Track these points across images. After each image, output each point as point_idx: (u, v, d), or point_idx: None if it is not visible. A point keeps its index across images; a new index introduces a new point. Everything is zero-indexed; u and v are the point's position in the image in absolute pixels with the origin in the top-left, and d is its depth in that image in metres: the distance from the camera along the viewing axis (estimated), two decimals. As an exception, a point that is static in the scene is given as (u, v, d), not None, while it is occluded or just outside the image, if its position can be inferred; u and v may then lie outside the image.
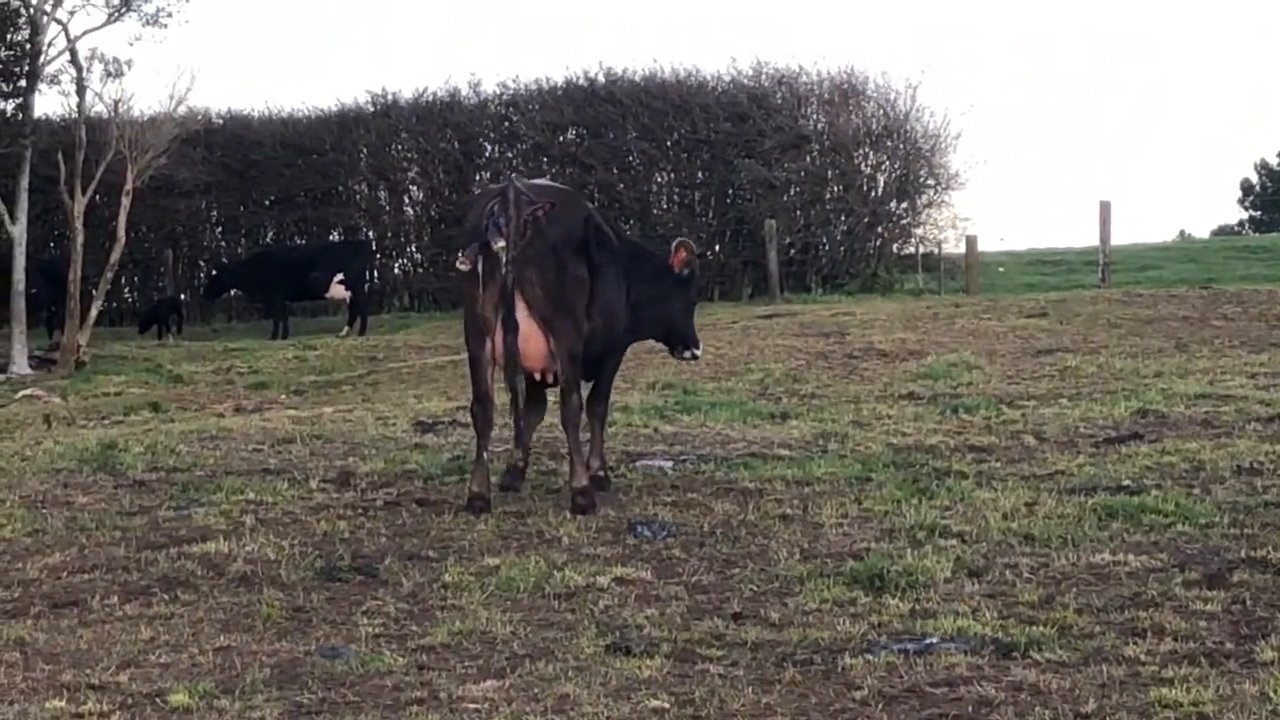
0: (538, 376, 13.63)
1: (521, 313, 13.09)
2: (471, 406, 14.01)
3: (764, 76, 40.79)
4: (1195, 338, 26.02)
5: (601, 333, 13.79)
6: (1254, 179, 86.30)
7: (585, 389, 14.18)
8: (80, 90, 33.61)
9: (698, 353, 15.46)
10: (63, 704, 8.48)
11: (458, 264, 13.29)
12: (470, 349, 13.84)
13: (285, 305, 36.25)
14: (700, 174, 40.57)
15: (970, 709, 7.89)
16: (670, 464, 15.27)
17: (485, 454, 13.88)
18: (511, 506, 13.69)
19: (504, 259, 12.82)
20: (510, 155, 41.77)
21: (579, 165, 38.96)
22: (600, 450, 14.23)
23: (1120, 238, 41.29)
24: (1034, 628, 9.30)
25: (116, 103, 34.01)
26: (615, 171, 40.12)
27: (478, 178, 40.65)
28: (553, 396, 14.40)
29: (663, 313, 14.74)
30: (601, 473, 14.04)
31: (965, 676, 8.42)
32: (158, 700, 8.47)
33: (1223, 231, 76.94)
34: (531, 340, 13.23)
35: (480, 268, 13.07)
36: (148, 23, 34.89)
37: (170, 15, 35.13)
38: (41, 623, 10.37)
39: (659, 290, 14.58)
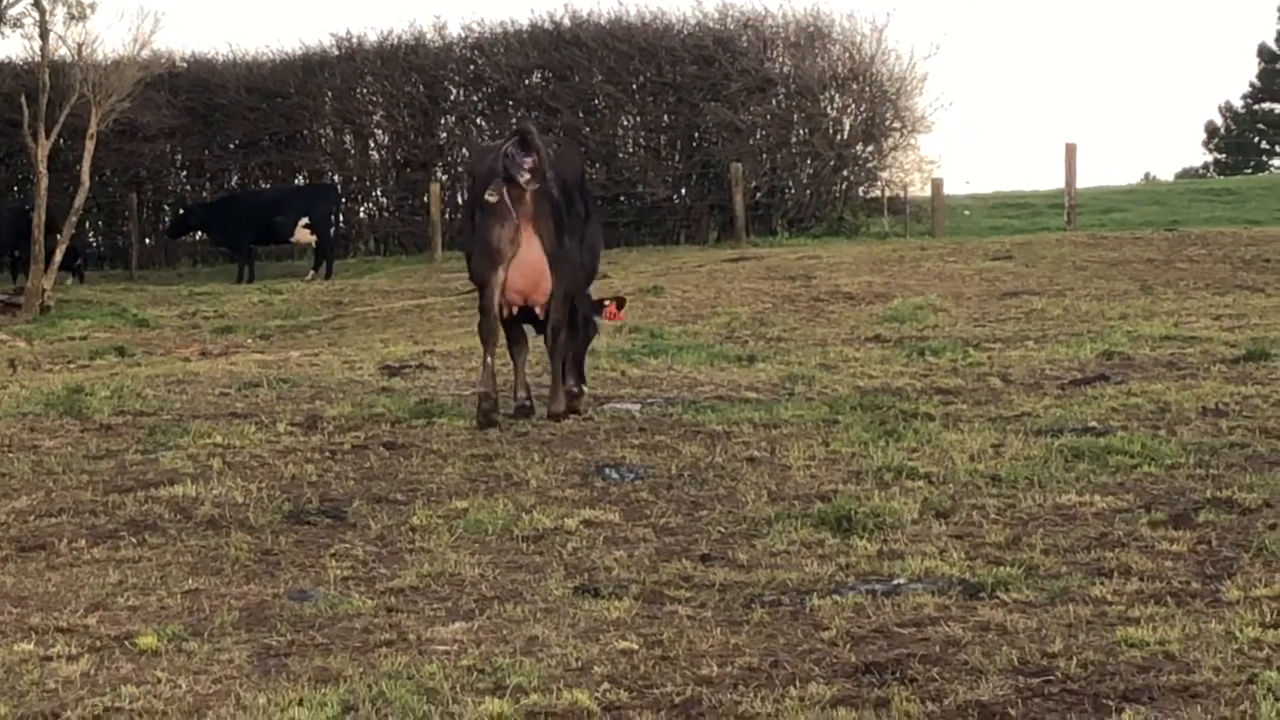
0: (537, 305, 14.73)
1: (532, 248, 14.22)
2: (479, 323, 15.27)
3: (729, 19, 41.29)
4: (1160, 280, 26.59)
5: (585, 270, 15.24)
6: (1219, 121, 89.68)
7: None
8: (44, 34, 34.19)
9: None
10: (30, 647, 8.57)
11: (486, 196, 14.17)
12: (479, 275, 15.03)
13: (251, 249, 37.38)
14: (666, 117, 41.30)
15: (937, 649, 7.95)
16: (638, 407, 15.54)
17: (489, 359, 15.10)
18: (479, 449, 13.97)
19: (527, 194, 14.01)
20: (475, 99, 43.37)
21: (544, 109, 41.59)
22: (575, 368, 15.64)
23: (1085, 181, 41.91)
24: (1001, 568, 9.48)
25: (80, 46, 34.33)
26: (581, 115, 40.83)
27: (443, 121, 43.23)
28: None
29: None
30: (576, 390, 15.43)
31: (932, 617, 8.57)
32: (126, 643, 8.56)
33: (1187, 174, 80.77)
34: (535, 272, 14.49)
35: (506, 198, 14.02)
36: None
37: None
38: (9, 566, 10.52)
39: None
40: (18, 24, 35.43)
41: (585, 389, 15.40)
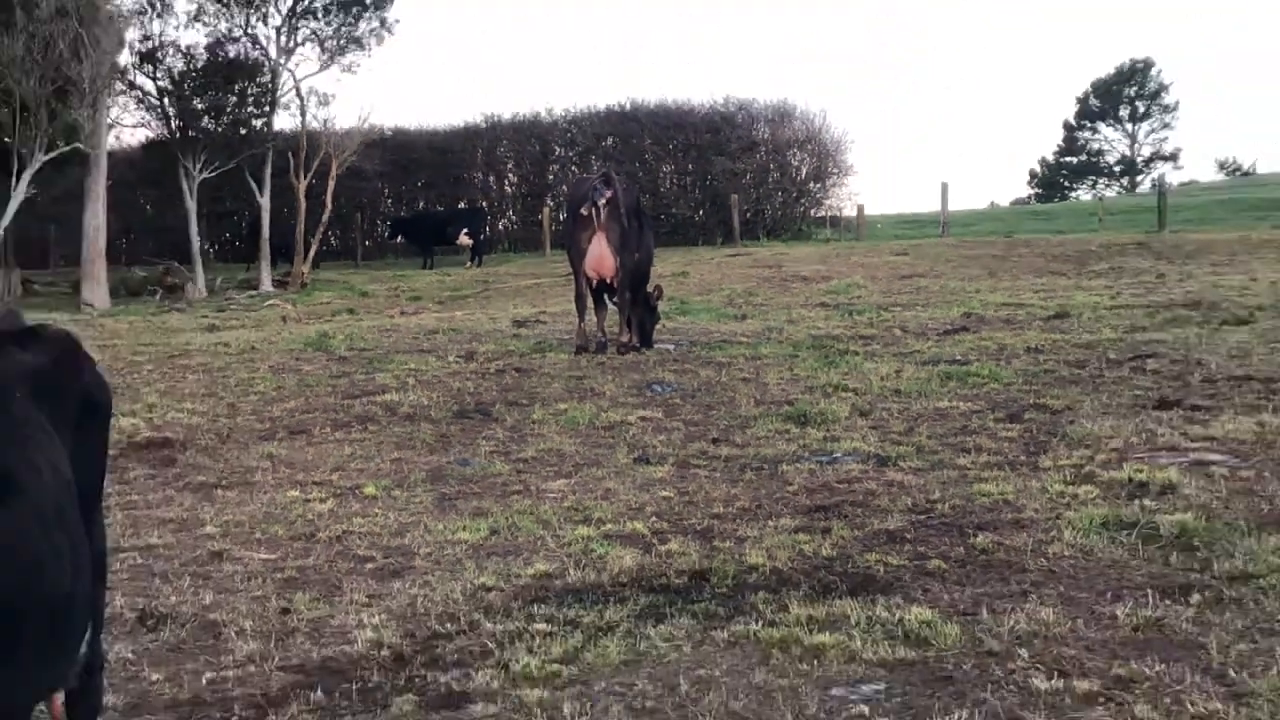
0: (608, 280, 18.34)
1: (604, 244, 18.04)
2: (575, 296, 18.89)
3: (730, 104, 56.90)
4: (1000, 269, 32.35)
5: (639, 263, 18.91)
6: (1038, 168, 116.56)
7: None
8: (302, 113, 45.84)
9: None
10: (297, 493, 11.05)
11: (580, 211, 18.25)
12: (573, 262, 18.83)
13: (431, 248, 49.83)
14: (690, 166, 55.87)
15: (861, 496, 10.23)
16: (673, 346, 18.98)
17: (581, 323, 18.60)
18: (574, 372, 16.71)
19: (604, 211, 17.96)
20: (570, 154, 57.83)
21: (614, 161, 51.46)
22: (638, 328, 18.81)
23: (953, 205, 56.73)
24: (900, 447, 11.86)
25: (325, 121, 46.78)
26: (636, 165, 54.48)
27: (550, 169, 57.67)
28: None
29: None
30: (634, 341, 18.47)
31: (857, 477, 10.89)
32: (356, 491, 11.11)
33: (1018, 201, 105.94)
34: (606, 259, 18.01)
35: (593, 213, 18.07)
36: (344, 70, 47.27)
37: (359, 64, 47.51)
38: (284, 444, 13.20)
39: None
40: (286, 106, 46.92)
41: (648, 351, 18.43)
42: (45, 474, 4.78)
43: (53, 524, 4.74)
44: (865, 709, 6.26)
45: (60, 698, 5.49)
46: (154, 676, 7.04)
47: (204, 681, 6.90)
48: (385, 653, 7.25)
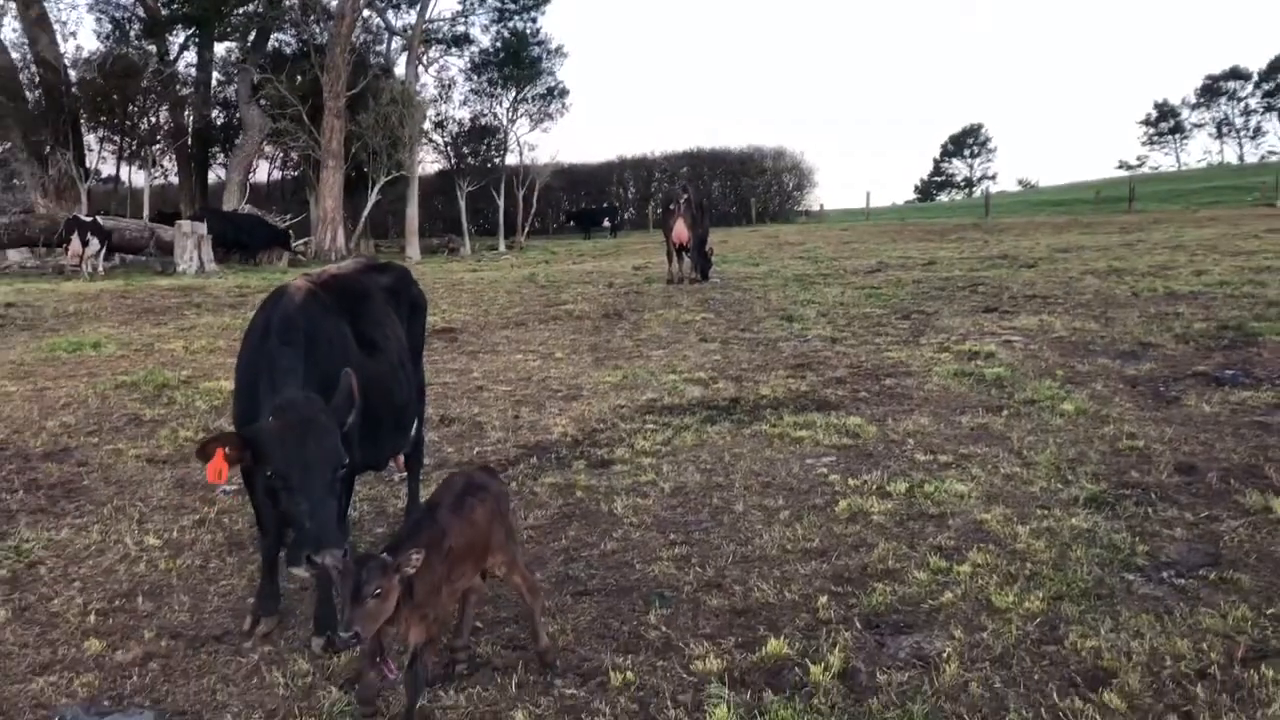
0: (684, 244, 17.88)
1: (682, 224, 17.67)
2: (666, 253, 18.62)
3: (750, 148, 58.27)
4: (898, 238, 31.30)
5: (702, 235, 18.28)
6: (919, 183, 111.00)
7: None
8: (520, 154, 48.63)
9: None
10: (520, 357, 10.99)
11: (669, 207, 18.15)
12: (665, 235, 18.43)
13: (589, 228, 49.90)
14: (729, 182, 56.92)
15: (820, 359, 10.29)
16: (719, 280, 18.48)
17: (669, 267, 18.29)
18: (665, 294, 16.44)
19: (683, 205, 17.77)
20: (663, 176, 57.68)
21: (687, 180, 51.42)
22: (701, 270, 18.25)
23: (873, 203, 58.50)
24: (843, 332, 11.82)
25: (532, 159, 47.10)
26: (699, 184, 52.32)
27: (653, 185, 57.03)
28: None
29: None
30: (698, 278, 18.04)
31: (819, 349, 10.92)
32: (551, 355, 11.21)
33: (909, 201, 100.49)
34: (683, 233, 17.68)
35: (678, 207, 17.83)
36: (543, 130, 53.69)
37: (550, 127, 52.99)
38: (512, 330, 13.22)
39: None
40: (511, 150, 47.03)
41: (705, 283, 18.06)
42: (392, 340, 5.15)
43: (397, 367, 5.12)
44: (825, 469, 6.56)
45: (401, 458, 5.80)
46: (447, 450, 7.55)
47: (475, 452, 7.31)
48: (568, 439, 7.60)
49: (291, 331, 4.29)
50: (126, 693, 3.93)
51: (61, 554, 5.39)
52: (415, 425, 5.61)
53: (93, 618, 4.61)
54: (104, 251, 25.56)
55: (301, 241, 34.74)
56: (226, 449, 3.90)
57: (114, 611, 4.70)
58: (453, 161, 47.77)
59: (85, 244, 24.73)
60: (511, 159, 46.43)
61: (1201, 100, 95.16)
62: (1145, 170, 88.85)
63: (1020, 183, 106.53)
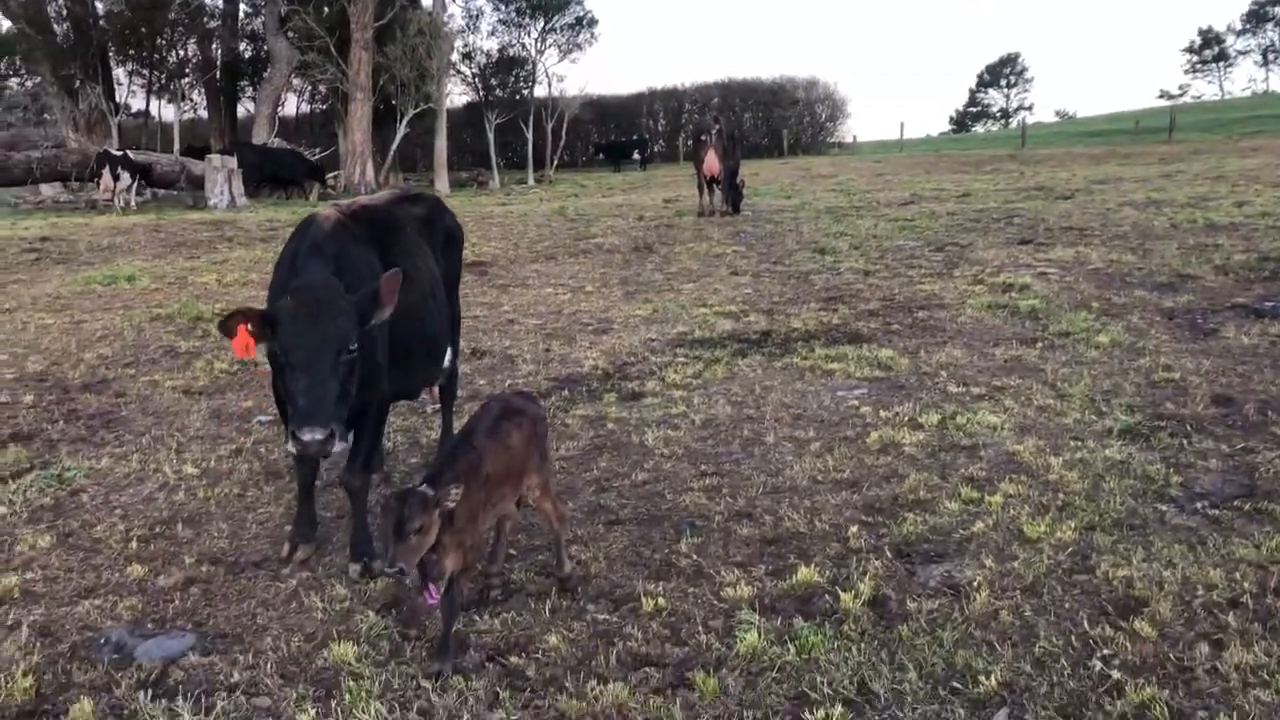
0: (716, 177, 17.81)
1: (714, 156, 17.59)
2: (697, 185, 18.38)
3: (782, 79, 57.94)
4: (933, 169, 30.90)
5: (733, 167, 18.12)
6: (954, 114, 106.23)
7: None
8: (549, 86, 47.88)
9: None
10: (550, 290, 11.16)
11: (702, 137, 18.01)
12: (696, 167, 18.29)
13: (619, 161, 48.91)
14: (760, 114, 56.09)
15: (854, 291, 10.25)
16: (751, 213, 18.45)
17: (700, 200, 18.24)
18: (696, 227, 16.33)
19: (714, 137, 17.69)
20: (693, 108, 56.92)
21: (718, 111, 51.31)
22: (732, 202, 18.22)
23: (907, 135, 56.83)
24: (876, 265, 11.77)
25: (560, 91, 46.93)
26: (731, 115, 52.95)
27: (684, 116, 56.12)
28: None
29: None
30: (729, 210, 18.02)
31: (852, 282, 10.86)
32: (582, 289, 11.20)
33: (944, 133, 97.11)
34: (715, 164, 17.59)
35: (709, 139, 17.75)
36: (571, 61, 51.79)
37: (579, 57, 50.04)
38: (542, 264, 13.24)
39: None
40: (539, 82, 46.57)
41: (737, 216, 18.02)
42: (423, 271, 5.13)
43: (429, 298, 5.10)
44: (856, 401, 6.57)
45: (436, 389, 5.85)
46: (479, 382, 7.62)
47: (506, 385, 7.39)
48: (599, 371, 7.63)
49: (320, 253, 4.33)
50: (169, 616, 4.02)
51: (102, 482, 5.49)
52: (450, 356, 5.66)
53: (134, 544, 4.70)
54: (135, 186, 25.58)
55: (330, 176, 34.82)
56: (249, 325, 3.97)
57: (155, 538, 4.78)
58: (481, 94, 47.38)
59: (116, 178, 24.91)
60: (540, 91, 46.26)
61: (1247, 26, 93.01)
62: (1187, 100, 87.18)
63: (1058, 114, 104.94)
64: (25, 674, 3.55)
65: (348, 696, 3.38)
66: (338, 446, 3.84)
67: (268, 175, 30.46)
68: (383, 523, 3.48)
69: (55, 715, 3.35)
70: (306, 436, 3.72)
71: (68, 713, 3.34)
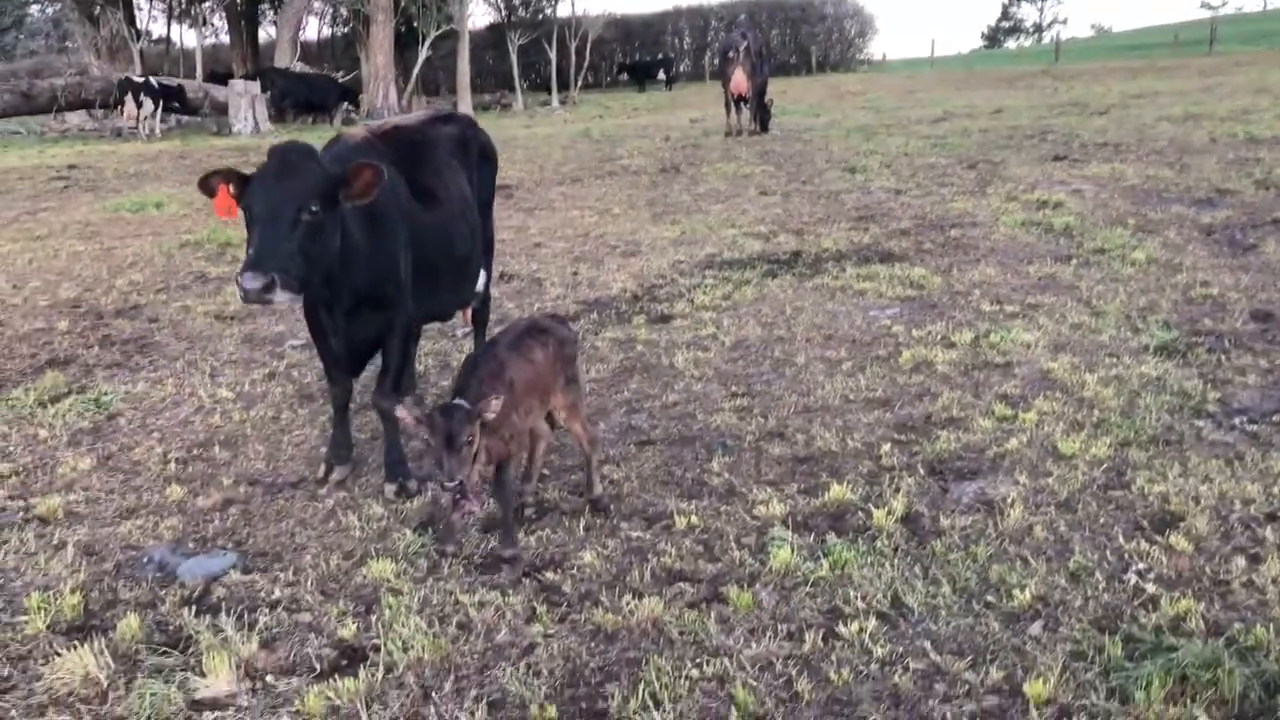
0: (743, 95, 17.59)
1: (741, 73, 17.31)
2: (725, 104, 18.13)
3: None
4: (965, 85, 30.71)
5: (761, 85, 17.92)
6: (986, 30, 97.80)
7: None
8: (572, 5, 48.89)
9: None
10: (577, 213, 11.06)
11: (729, 54, 17.70)
12: (724, 85, 18.02)
13: (644, 81, 47.46)
14: (788, 30, 54.53)
15: (885, 210, 10.19)
16: (779, 132, 18.31)
17: (728, 119, 18.06)
18: (723, 148, 16.21)
19: (742, 54, 17.38)
20: (720, 26, 54.85)
21: (751, 26, 48.61)
22: (760, 121, 18.06)
23: (938, 52, 58.21)
24: (907, 183, 11.65)
25: (584, 10, 49.30)
26: (760, 30, 48.40)
27: (710, 33, 54.51)
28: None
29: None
30: (757, 129, 17.86)
31: (883, 200, 10.80)
32: (609, 211, 11.08)
33: (975, 50, 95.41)
34: (742, 82, 17.34)
35: (736, 56, 17.48)
36: None
37: None
38: (568, 187, 13.17)
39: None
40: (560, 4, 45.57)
41: (765, 135, 17.86)
42: (453, 191, 5.12)
43: (459, 219, 5.09)
44: (888, 320, 6.55)
45: (469, 311, 5.87)
46: (508, 305, 7.61)
47: (535, 308, 7.40)
48: (627, 294, 7.64)
49: (341, 164, 4.28)
50: (209, 535, 4.10)
51: (139, 406, 5.58)
52: (483, 279, 5.64)
53: (173, 465, 4.79)
54: (159, 112, 25.64)
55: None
56: (230, 185, 4.01)
57: (193, 460, 4.86)
58: (503, 14, 46.77)
59: (140, 105, 25.02)
60: (563, 10, 45.99)
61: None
62: (1229, 10, 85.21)
63: (1093, 28, 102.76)
64: (73, 591, 3.64)
65: (387, 612, 3.44)
66: (281, 297, 3.82)
67: (301, 102, 30.19)
68: (431, 439, 3.53)
69: (104, 630, 3.43)
70: (247, 284, 3.73)
71: (115, 628, 3.42)
